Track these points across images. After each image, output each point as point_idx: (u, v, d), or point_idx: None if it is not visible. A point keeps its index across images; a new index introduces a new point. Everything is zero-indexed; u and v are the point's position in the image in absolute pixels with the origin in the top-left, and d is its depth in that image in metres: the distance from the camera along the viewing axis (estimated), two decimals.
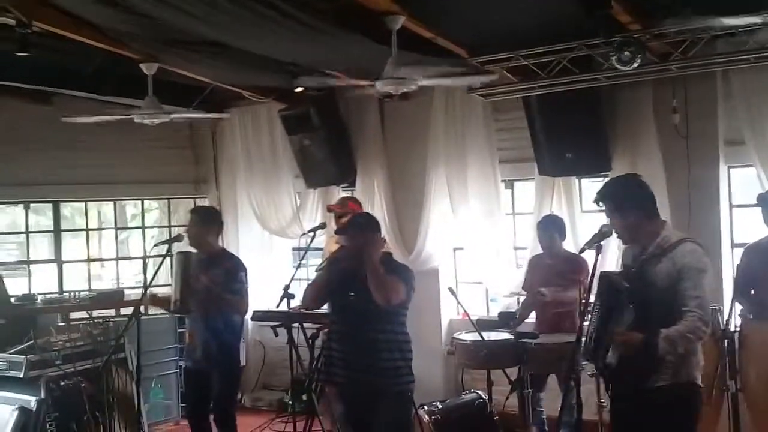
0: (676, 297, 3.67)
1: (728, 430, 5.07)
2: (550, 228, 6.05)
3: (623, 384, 3.83)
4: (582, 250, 4.17)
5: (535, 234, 6.49)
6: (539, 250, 6.36)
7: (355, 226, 4.57)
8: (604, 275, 3.88)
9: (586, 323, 3.96)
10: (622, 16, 5.17)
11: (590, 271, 4.05)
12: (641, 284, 3.73)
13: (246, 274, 5.54)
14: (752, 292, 5.25)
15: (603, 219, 6.39)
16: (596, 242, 3.93)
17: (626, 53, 5.32)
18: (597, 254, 3.93)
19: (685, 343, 3.65)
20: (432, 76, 5.33)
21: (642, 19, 5.26)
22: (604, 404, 5.14)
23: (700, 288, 3.70)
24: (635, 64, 5.34)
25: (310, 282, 4.78)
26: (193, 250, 5.58)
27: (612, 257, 6.23)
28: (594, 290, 4.04)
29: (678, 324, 3.62)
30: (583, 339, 3.86)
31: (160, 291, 6.75)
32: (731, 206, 6.29)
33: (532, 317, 6.24)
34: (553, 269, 5.97)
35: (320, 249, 7.22)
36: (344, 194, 7.96)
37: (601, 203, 3.99)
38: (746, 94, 5.84)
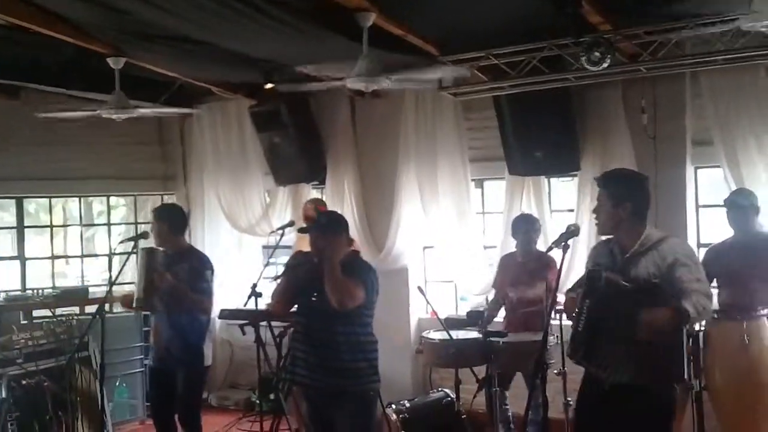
0: (671, 287, 3.70)
1: (692, 428, 5.10)
2: (528, 226, 6.06)
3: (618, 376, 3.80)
4: (549, 249, 4.19)
5: (505, 233, 6.50)
6: (509, 249, 6.37)
7: (317, 227, 4.52)
8: (597, 274, 3.82)
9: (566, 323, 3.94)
10: (592, 16, 5.20)
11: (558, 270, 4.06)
12: (626, 279, 3.76)
13: (212, 273, 5.48)
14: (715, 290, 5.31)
15: (571, 219, 6.48)
16: (563, 241, 3.96)
17: (596, 54, 5.35)
18: (563, 253, 3.95)
19: (704, 315, 3.67)
20: (403, 68, 5.31)
21: (612, 19, 5.29)
22: (570, 402, 5.17)
23: (697, 272, 3.77)
24: (605, 65, 5.37)
25: (273, 290, 4.72)
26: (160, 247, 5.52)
27: (581, 256, 6.28)
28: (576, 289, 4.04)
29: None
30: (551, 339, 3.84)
31: (126, 288, 6.67)
32: (698, 207, 6.35)
33: (502, 315, 6.25)
34: (524, 268, 5.98)
35: (289, 247, 7.17)
36: (314, 192, 7.93)
37: (602, 184, 3.99)
38: (714, 95, 5.89)
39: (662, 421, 3.83)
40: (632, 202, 3.89)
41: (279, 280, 4.59)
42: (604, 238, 4.18)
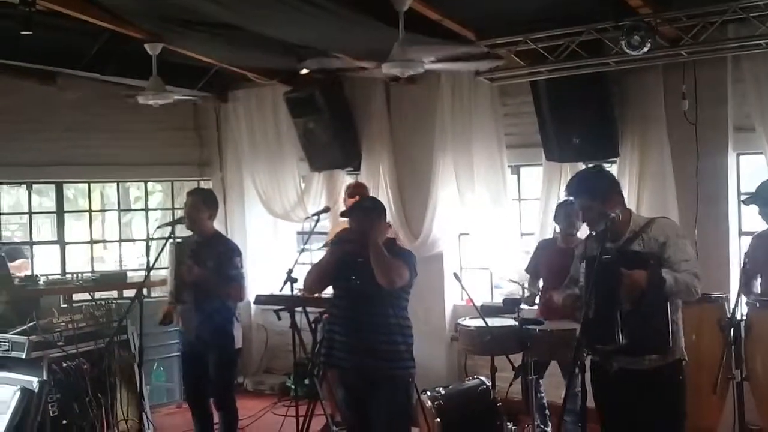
0: (664, 265, 3.81)
1: (733, 418, 5.03)
2: (569, 209, 5.97)
3: (629, 360, 3.87)
4: (590, 236, 4.15)
5: (542, 220, 6.43)
6: (545, 236, 6.30)
7: (361, 209, 4.57)
8: (590, 259, 3.89)
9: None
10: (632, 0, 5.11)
11: None
12: (626, 264, 3.80)
13: (241, 259, 5.52)
14: (758, 280, 5.23)
15: None
16: (604, 228, 3.92)
17: (636, 37, 5.27)
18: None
19: (683, 288, 3.78)
20: (439, 60, 5.28)
21: (652, 2, 5.20)
22: None
23: (685, 252, 3.90)
24: (645, 49, 5.28)
25: (312, 265, 4.74)
26: (190, 233, 5.57)
27: None
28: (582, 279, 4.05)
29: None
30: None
31: (162, 273, 6.76)
32: (740, 194, 6.22)
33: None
34: (569, 254, 5.87)
35: (325, 233, 7.17)
36: (349, 178, 7.92)
37: (582, 190, 4.05)
38: (757, 79, 5.76)
39: (671, 401, 3.91)
40: (618, 192, 4.06)
41: (323, 255, 4.61)
42: (590, 232, 4.27)
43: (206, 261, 5.35)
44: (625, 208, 4.06)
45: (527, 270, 6.29)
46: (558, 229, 6.08)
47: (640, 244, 3.92)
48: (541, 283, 6.19)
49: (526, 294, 6.06)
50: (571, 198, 6.26)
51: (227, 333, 5.48)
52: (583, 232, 6.02)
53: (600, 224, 3.96)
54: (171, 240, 5.40)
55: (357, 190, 6.59)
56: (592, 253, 3.97)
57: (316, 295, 5.76)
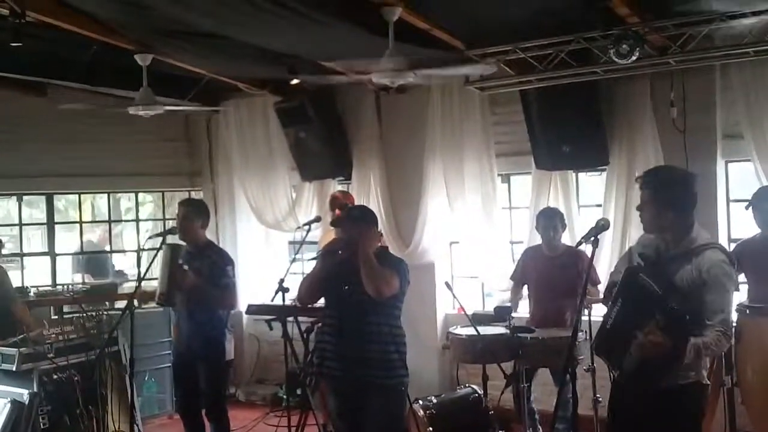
0: (699, 306, 3.57)
1: (724, 425, 5.05)
2: (555, 218, 6.01)
3: (635, 383, 3.73)
4: (579, 244, 4.13)
5: (531, 228, 6.45)
6: (535, 244, 6.33)
7: (350, 218, 4.57)
8: (633, 274, 3.71)
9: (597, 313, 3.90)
10: (620, 8, 5.15)
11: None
12: (663, 287, 3.59)
13: (233, 268, 5.51)
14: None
15: (599, 213, 6.42)
16: (593, 236, 3.90)
17: (624, 46, 5.30)
18: (594, 248, 3.90)
19: (708, 354, 3.66)
20: (428, 67, 5.29)
21: (641, 12, 5.23)
22: (600, 399, 5.13)
23: (725, 303, 3.62)
24: (633, 58, 5.32)
25: (304, 276, 4.74)
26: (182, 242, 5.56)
27: (607, 252, 6.23)
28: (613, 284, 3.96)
29: (704, 335, 3.52)
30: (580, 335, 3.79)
31: (154, 284, 6.74)
32: (728, 201, 6.26)
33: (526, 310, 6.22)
34: (555, 262, 5.91)
35: (316, 243, 7.18)
36: (340, 187, 7.93)
37: (643, 186, 3.81)
38: (745, 88, 5.80)
39: (693, 418, 3.78)
40: (675, 207, 3.71)
41: (314, 265, 4.62)
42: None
43: (200, 270, 5.35)
44: (674, 223, 3.73)
45: (512, 278, 6.31)
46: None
47: (688, 269, 3.64)
48: (525, 290, 6.21)
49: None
50: (551, 206, 6.35)
51: (218, 343, 5.47)
52: (564, 239, 6.08)
53: (592, 230, 3.90)
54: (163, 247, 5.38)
55: (335, 202, 6.50)
56: (646, 251, 3.79)
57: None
